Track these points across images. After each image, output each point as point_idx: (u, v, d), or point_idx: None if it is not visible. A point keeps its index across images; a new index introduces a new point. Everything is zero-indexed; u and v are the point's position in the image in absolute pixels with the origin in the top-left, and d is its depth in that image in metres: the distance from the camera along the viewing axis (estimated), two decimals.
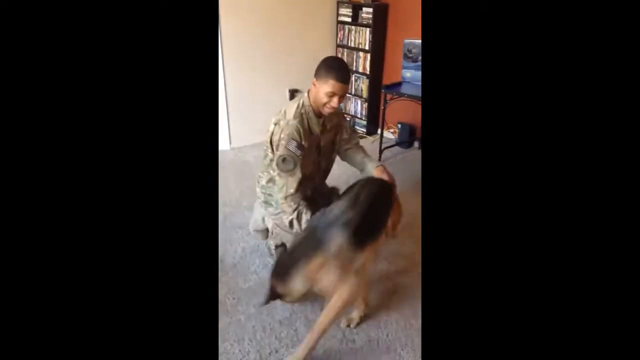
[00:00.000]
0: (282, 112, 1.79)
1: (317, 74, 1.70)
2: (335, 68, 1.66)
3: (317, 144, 1.83)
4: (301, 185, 1.74)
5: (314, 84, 1.71)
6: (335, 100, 1.67)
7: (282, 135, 1.70)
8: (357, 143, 2.02)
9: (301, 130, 1.71)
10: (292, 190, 1.72)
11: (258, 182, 1.95)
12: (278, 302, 1.79)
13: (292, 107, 1.77)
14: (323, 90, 1.67)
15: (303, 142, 1.71)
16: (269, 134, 1.79)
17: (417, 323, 1.72)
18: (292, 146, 1.69)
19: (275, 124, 1.76)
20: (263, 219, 2.07)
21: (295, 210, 1.72)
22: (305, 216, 1.71)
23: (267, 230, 2.17)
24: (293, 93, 3.65)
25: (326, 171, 2.00)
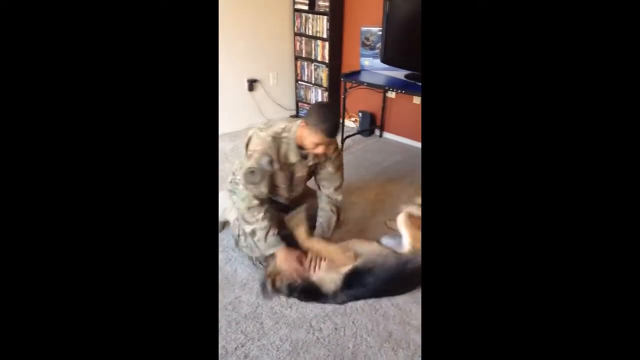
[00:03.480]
0: (267, 123, 1.81)
1: (309, 119, 1.69)
2: (328, 122, 1.65)
3: (290, 171, 1.84)
4: (264, 201, 1.78)
5: (303, 127, 1.72)
6: (319, 149, 1.71)
7: (258, 148, 1.72)
8: (334, 192, 1.97)
9: (275, 151, 1.73)
10: (255, 202, 1.74)
11: (233, 172, 1.97)
12: (243, 297, 1.79)
13: (277, 126, 1.78)
14: (310, 138, 1.69)
15: (274, 164, 1.74)
16: (247, 138, 1.81)
17: (382, 308, 1.75)
18: (264, 161, 1.72)
19: (253, 133, 1.78)
20: (224, 211, 2.08)
21: (258, 221, 1.74)
22: (272, 231, 1.76)
23: (225, 222, 2.17)
24: (252, 83, 3.58)
25: (295, 198, 2.01)
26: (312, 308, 1.74)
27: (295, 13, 3.65)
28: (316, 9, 3.50)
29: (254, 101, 3.66)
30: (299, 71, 3.89)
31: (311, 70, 3.77)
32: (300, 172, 1.87)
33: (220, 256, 2.04)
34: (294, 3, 3.62)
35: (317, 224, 1.95)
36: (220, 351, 1.53)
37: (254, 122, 3.67)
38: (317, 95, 3.84)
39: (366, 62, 3.30)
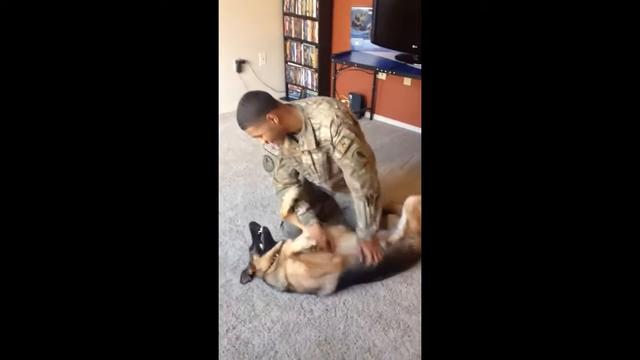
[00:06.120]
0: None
1: None
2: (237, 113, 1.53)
3: (295, 157, 1.74)
4: (289, 183, 1.85)
5: None
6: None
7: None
8: (350, 178, 1.66)
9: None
10: (280, 186, 1.86)
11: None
12: (234, 280, 1.79)
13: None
14: None
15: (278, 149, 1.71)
16: None
17: (372, 289, 1.76)
18: (269, 146, 1.71)
19: None
20: None
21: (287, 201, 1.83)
22: (301, 209, 1.83)
23: None
24: (240, 64, 3.52)
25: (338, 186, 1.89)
26: None
27: None
28: None
29: (243, 82, 3.61)
30: (288, 52, 3.83)
31: (301, 50, 3.72)
32: (305, 158, 1.71)
33: None
34: None
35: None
36: None
37: None
38: (307, 77, 3.80)
39: (356, 42, 3.25)
